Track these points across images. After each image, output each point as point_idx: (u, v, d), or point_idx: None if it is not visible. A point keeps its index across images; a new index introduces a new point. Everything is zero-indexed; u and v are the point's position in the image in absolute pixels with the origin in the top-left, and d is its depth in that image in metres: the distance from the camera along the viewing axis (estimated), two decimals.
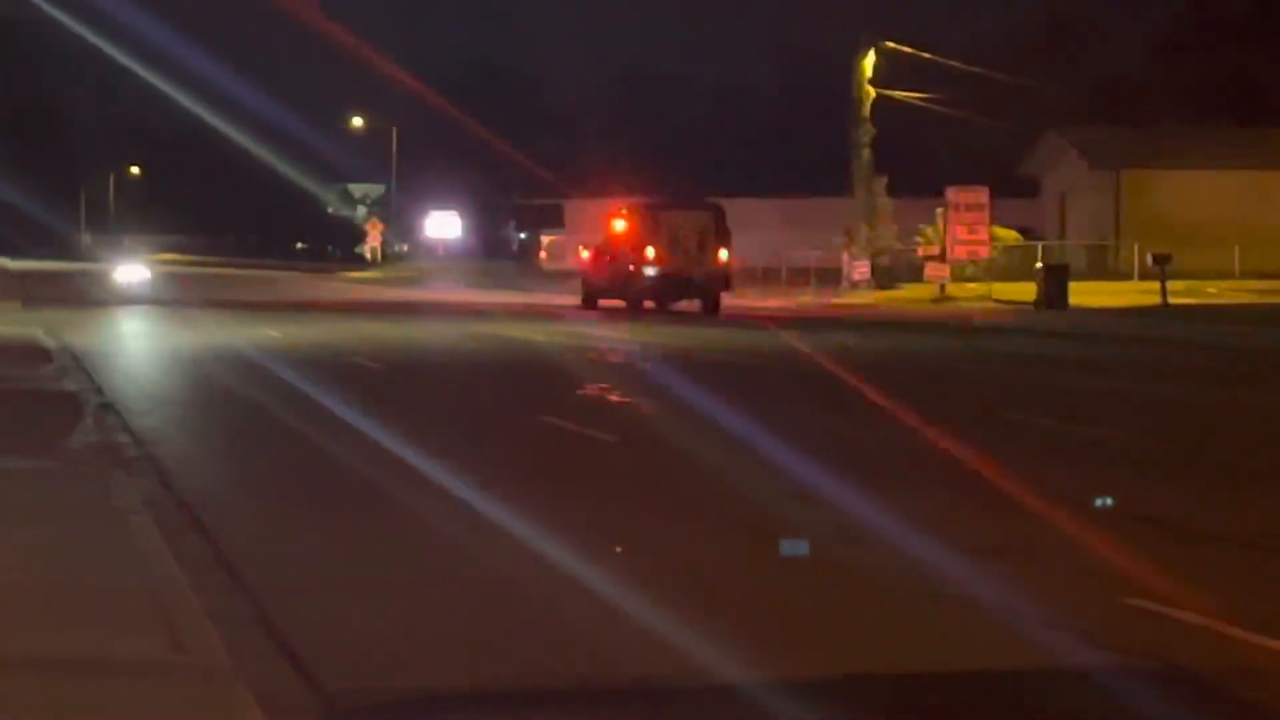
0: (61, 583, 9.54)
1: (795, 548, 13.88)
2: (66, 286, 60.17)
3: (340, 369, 26.12)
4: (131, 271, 56.30)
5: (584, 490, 13.92)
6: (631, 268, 50.77)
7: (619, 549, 11.15)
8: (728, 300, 50.17)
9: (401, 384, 24.71)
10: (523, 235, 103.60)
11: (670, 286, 50.57)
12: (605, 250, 53.12)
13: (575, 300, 53.30)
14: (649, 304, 50.81)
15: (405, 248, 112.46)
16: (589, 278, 54.04)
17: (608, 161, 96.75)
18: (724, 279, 51.27)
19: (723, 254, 51.28)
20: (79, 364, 26.19)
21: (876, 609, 9.72)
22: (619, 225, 53.38)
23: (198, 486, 13.83)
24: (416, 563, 10.99)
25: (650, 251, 50.35)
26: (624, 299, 50.89)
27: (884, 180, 65.66)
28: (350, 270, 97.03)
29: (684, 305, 50.61)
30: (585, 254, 55.41)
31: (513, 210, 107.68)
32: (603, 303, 51.51)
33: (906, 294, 58.53)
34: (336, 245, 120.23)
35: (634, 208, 54.55)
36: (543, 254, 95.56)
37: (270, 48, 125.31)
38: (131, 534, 11.15)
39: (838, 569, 10.79)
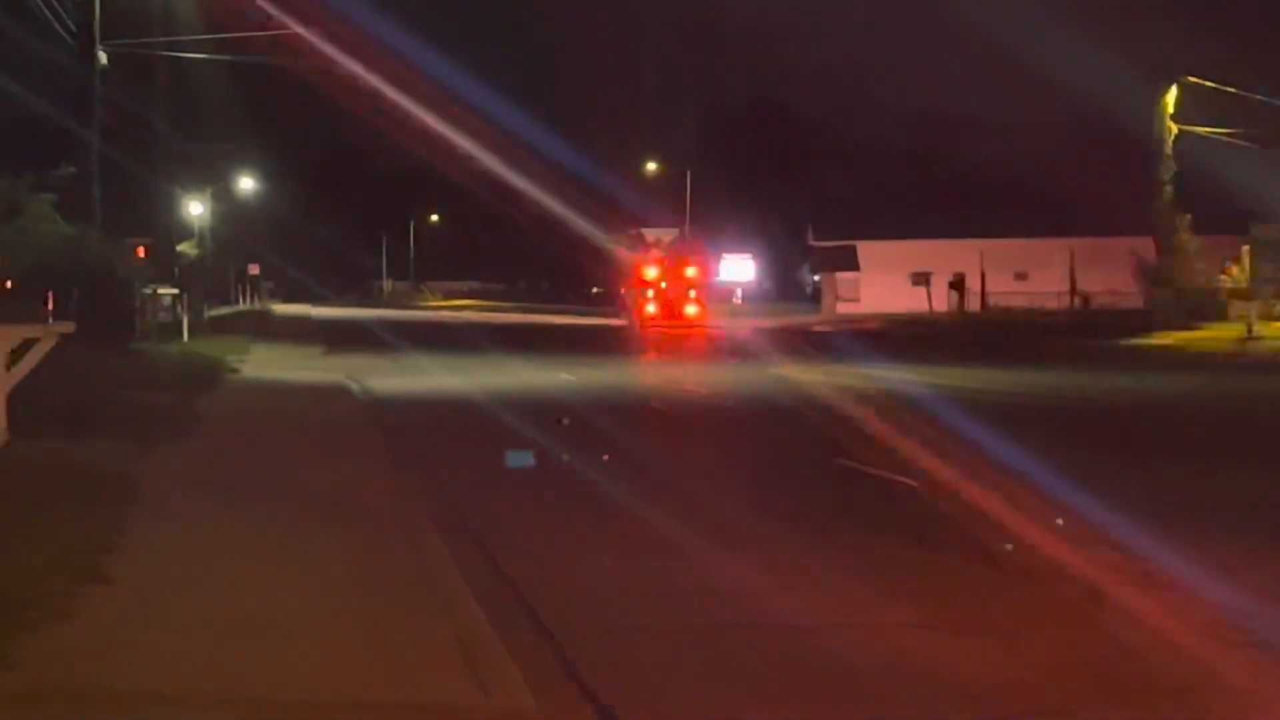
0: (370, 626, 9.64)
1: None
2: (365, 332, 61.49)
3: (633, 413, 26.21)
4: None
5: (884, 536, 13.62)
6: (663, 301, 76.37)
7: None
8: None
9: (692, 429, 24.62)
10: (816, 277, 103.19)
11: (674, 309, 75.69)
12: (639, 288, 77.75)
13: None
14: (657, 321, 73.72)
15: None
16: (639, 307, 76.31)
17: (899, 202, 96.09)
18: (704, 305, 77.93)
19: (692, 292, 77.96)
20: (380, 408, 26.72)
21: (1178, 657, 9.37)
22: (651, 272, 77.79)
23: (497, 530, 13.90)
24: (709, 607, 10.90)
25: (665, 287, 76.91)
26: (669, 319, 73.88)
27: (1187, 218, 64.05)
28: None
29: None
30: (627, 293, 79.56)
31: (805, 252, 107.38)
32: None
33: (1210, 333, 56.87)
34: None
35: (660, 258, 78.50)
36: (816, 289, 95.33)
37: (564, 95, 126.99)
38: (435, 577, 11.25)
39: (1139, 616, 10.43)
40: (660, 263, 77.73)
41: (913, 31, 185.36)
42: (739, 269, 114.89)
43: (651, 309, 76.01)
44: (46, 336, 17.26)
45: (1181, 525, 13.78)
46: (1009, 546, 12.75)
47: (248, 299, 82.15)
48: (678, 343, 55.90)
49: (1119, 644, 9.64)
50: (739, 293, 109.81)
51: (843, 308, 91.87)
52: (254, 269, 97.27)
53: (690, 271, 77.47)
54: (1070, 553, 12.56)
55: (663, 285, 77.02)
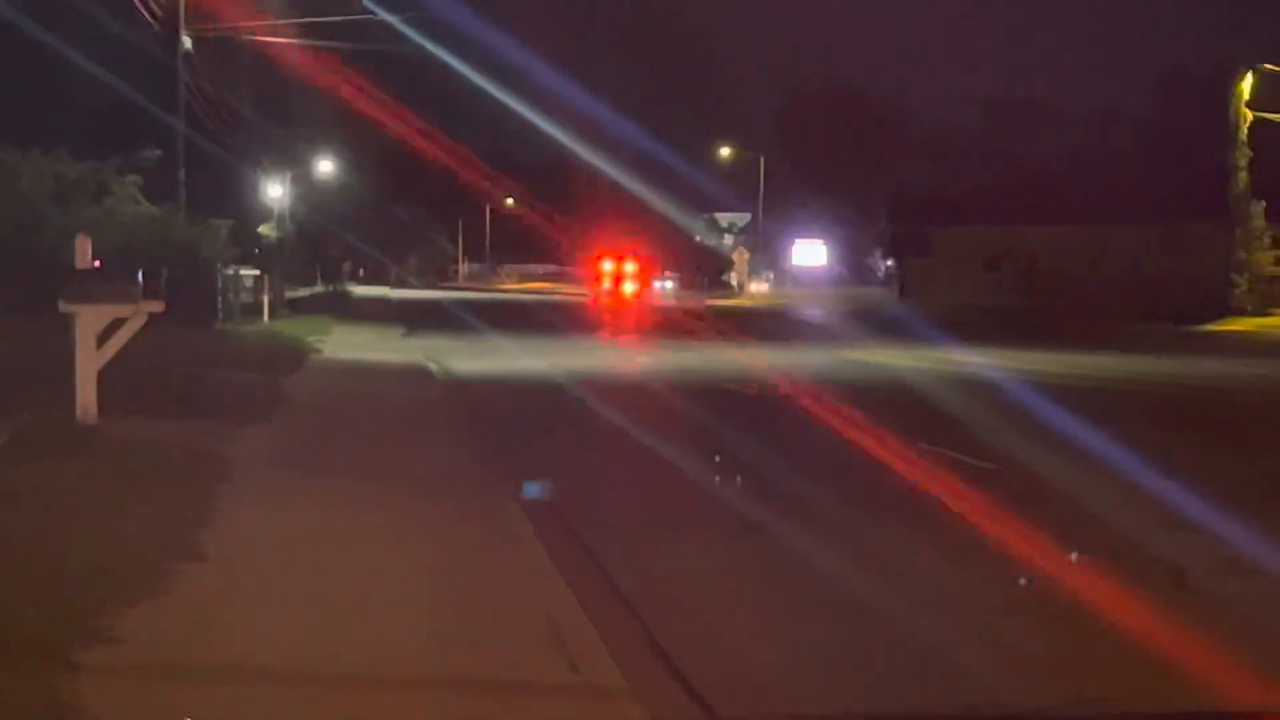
0: (457, 603, 9.80)
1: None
2: (444, 313, 61.72)
3: (712, 396, 26.24)
4: None
5: (958, 517, 13.64)
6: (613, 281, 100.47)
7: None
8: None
9: (772, 412, 24.64)
10: (889, 263, 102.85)
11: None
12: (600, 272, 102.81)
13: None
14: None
15: (771, 276, 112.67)
16: (598, 285, 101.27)
17: (974, 189, 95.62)
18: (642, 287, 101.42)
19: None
20: (461, 388, 26.91)
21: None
22: (605, 264, 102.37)
23: (582, 508, 14.02)
24: (800, 587, 11.00)
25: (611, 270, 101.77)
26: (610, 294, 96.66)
27: (1262, 204, 63.58)
28: (717, 299, 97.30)
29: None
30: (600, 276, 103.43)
31: (878, 238, 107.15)
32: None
33: None
34: (703, 274, 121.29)
35: (613, 254, 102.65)
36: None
37: (640, 79, 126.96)
38: (521, 555, 11.39)
39: (1226, 604, 10.47)
40: (611, 256, 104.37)
41: (988, 16, 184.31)
42: (811, 253, 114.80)
43: (605, 287, 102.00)
44: (136, 316, 17.45)
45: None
46: (1090, 530, 12.79)
47: (327, 281, 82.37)
48: (765, 327, 55.74)
49: (1201, 631, 9.65)
50: (810, 278, 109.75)
51: (912, 290, 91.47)
52: (345, 264, 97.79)
53: (628, 265, 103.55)
54: (1158, 538, 12.61)
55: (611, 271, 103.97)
